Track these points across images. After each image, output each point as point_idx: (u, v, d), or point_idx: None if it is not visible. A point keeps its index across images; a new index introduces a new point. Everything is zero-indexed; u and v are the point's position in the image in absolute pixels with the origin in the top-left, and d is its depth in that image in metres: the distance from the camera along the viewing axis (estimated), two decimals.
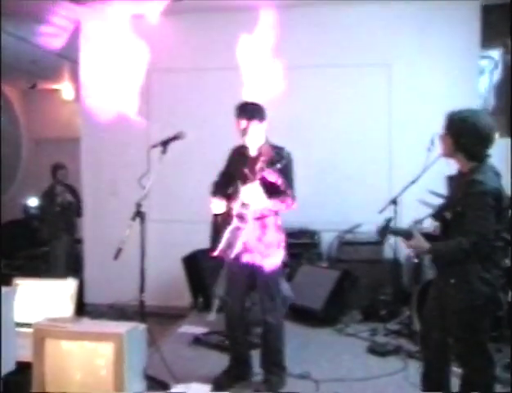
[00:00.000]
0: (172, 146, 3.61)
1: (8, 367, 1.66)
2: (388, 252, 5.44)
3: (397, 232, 3.29)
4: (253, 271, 3.60)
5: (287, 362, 3.85)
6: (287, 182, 3.51)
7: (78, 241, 6.83)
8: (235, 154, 3.76)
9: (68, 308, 2.37)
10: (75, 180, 6.81)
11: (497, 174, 2.83)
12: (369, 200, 5.39)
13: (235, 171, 3.66)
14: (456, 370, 3.09)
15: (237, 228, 3.49)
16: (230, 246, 3.50)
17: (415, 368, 3.99)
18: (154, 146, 3.53)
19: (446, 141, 2.88)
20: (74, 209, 6.77)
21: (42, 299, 2.62)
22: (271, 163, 3.33)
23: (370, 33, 5.80)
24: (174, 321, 5.39)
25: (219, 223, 3.62)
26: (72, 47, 6.20)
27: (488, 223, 2.68)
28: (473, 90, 5.71)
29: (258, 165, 3.43)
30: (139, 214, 3.40)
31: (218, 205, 3.59)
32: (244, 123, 3.53)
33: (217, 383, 3.62)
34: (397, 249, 5.22)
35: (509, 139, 5.46)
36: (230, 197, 3.61)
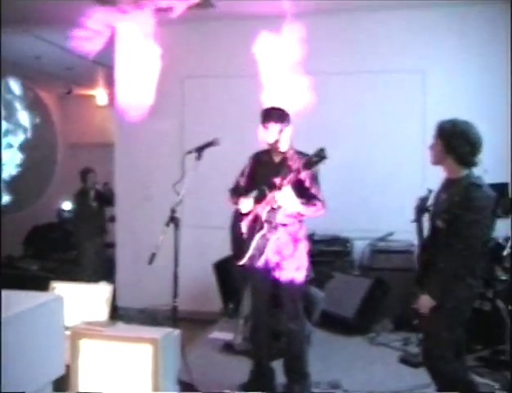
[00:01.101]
0: (206, 152, 3.64)
1: (59, 371, 1.73)
2: None
3: None
4: (277, 278, 3.57)
5: (317, 370, 3.83)
6: (316, 187, 3.52)
7: (109, 245, 6.91)
8: (258, 160, 3.73)
9: (103, 312, 2.39)
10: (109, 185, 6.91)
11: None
12: (401, 207, 5.29)
13: (259, 177, 3.64)
14: None
15: (265, 235, 3.47)
16: (258, 253, 3.48)
17: None
18: (190, 153, 3.55)
19: (436, 147, 2.97)
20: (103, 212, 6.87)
21: (77, 302, 2.65)
22: (308, 164, 3.26)
23: (404, 39, 5.76)
24: (205, 327, 5.41)
25: (246, 230, 3.58)
26: (106, 52, 6.28)
27: (487, 226, 2.83)
28: (508, 97, 5.60)
29: (293, 168, 3.37)
30: (173, 220, 3.41)
31: (247, 204, 3.56)
32: (270, 128, 3.51)
33: None
34: None
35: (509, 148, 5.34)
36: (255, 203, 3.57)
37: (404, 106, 5.80)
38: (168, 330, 2.15)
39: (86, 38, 5.44)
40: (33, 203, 9.25)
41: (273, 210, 3.43)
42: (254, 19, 5.76)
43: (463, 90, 5.65)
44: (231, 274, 5.72)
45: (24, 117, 9.05)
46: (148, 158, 6.26)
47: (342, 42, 5.83)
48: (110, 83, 8.06)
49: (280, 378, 3.81)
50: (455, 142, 2.87)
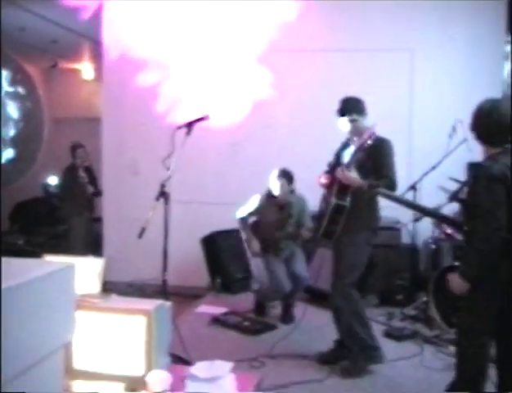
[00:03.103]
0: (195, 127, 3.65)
1: (70, 336, 1.85)
2: (405, 237, 5.45)
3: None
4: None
5: (304, 343, 3.91)
6: (388, 166, 3.69)
7: (97, 220, 6.91)
8: (343, 146, 3.97)
9: (95, 285, 2.42)
10: (95, 159, 6.86)
11: None
12: None
13: (342, 160, 3.85)
14: None
15: (337, 210, 3.64)
16: (329, 226, 3.70)
17: (430, 353, 4.06)
18: (180, 128, 3.56)
19: None
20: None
21: None
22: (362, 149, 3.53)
23: (393, 17, 5.75)
24: (192, 301, 5.47)
25: (323, 204, 3.88)
26: (93, 26, 6.19)
27: (496, 209, 2.63)
28: (497, 76, 5.64)
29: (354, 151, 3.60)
30: (163, 195, 3.43)
31: (324, 178, 3.86)
32: (342, 121, 3.76)
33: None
34: (415, 234, 5.24)
35: None
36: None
37: (392, 85, 5.79)
38: (160, 302, 2.20)
39: (74, 14, 5.37)
40: (19, 178, 9.17)
41: (343, 187, 3.63)
42: None
43: (452, 69, 5.69)
44: (218, 249, 5.78)
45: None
46: (135, 132, 6.23)
47: (329, 20, 5.80)
48: (95, 57, 7.98)
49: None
50: (476, 124, 2.84)
